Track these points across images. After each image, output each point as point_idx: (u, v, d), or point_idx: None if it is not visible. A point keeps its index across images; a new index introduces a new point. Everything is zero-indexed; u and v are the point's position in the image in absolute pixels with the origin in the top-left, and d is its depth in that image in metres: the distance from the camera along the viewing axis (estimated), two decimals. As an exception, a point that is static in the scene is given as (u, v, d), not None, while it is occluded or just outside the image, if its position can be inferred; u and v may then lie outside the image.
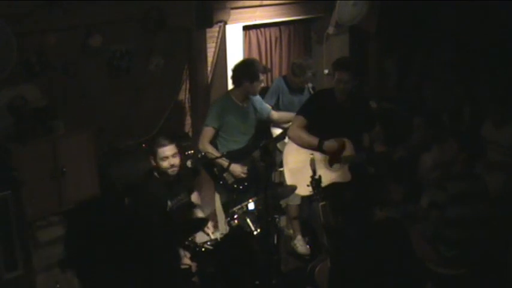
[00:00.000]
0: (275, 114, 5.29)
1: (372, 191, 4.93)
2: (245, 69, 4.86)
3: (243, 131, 5.00)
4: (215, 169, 4.94)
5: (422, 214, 3.95)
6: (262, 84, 5.10)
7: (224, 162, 4.79)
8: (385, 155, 4.87)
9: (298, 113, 4.76)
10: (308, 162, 4.10)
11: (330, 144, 4.57)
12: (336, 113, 4.63)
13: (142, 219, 2.08)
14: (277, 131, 5.43)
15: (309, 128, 4.69)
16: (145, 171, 4.46)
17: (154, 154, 4.32)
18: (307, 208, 4.99)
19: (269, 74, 6.03)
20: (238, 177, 4.82)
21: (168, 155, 4.30)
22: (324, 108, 4.66)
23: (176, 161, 4.34)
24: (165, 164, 4.30)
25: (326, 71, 5.92)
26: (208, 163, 4.88)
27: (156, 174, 4.39)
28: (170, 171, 4.33)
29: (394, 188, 5.41)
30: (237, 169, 4.82)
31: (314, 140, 4.60)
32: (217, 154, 4.79)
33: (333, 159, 4.66)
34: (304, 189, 4.19)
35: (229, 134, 4.94)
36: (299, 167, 4.56)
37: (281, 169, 4.75)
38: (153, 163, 4.35)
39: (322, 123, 4.63)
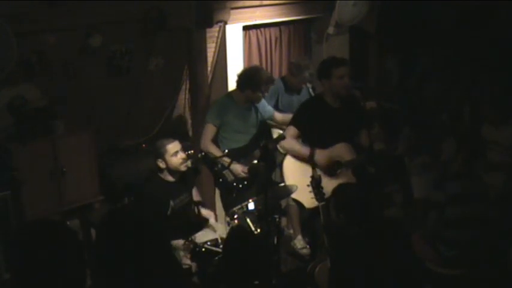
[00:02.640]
0: (278, 116, 5.29)
1: (372, 191, 4.93)
2: (248, 78, 4.89)
3: (243, 131, 5.01)
4: (216, 168, 4.95)
5: (421, 215, 3.96)
6: (265, 94, 5.11)
7: (226, 160, 4.81)
8: (384, 152, 4.87)
9: (290, 123, 4.75)
10: (309, 175, 4.05)
11: (321, 157, 4.52)
12: (331, 117, 4.62)
13: (143, 219, 2.08)
14: (278, 132, 5.43)
15: (306, 137, 4.69)
16: (148, 173, 4.45)
17: (163, 154, 4.32)
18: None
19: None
20: (238, 176, 4.85)
21: (178, 150, 4.34)
22: (317, 115, 4.65)
23: (185, 155, 4.38)
24: (176, 159, 4.32)
25: None
26: (210, 161, 4.90)
27: (161, 175, 4.39)
28: (182, 166, 4.35)
29: (394, 188, 5.42)
30: (238, 169, 4.84)
31: (305, 151, 4.56)
32: (218, 153, 4.81)
33: (335, 166, 4.65)
34: (309, 202, 4.19)
35: (230, 133, 4.95)
36: (300, 180, 4.50)
37: (282, 184, 4.74)
38: (162, 165, 4.35)
39: (318, 130, 4.63)
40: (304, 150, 4.59)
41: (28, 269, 1.91)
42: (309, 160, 4.50)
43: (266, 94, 5.11)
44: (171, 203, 4.32)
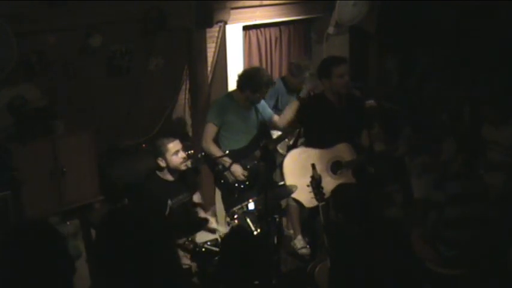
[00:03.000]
0: (277, 120, 5.27)
1: (372, 191, 4.93)
2: (248, 79, 4.87)
3: (244, 130, 5.00)
4: (217, 168, 4.94)
5: (421, 215, 3.95)
6: (264, 97, 5.11)
7: (227, 160, 4.81)
8: (385, 153, 4.87)
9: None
10: (308, 175, 4.05)
11: (305, 93, 4.79)
12: (331, 115, 4.62)
13: (142, 218, 2.10)
14: (277, 133, 5.42)
15: (306, 135, 4.70)
16: (147, 172, 4.46)
17: (164, 153, 4.33)
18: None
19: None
20: (238, 178, 4.84)
21: (179, 149, 4.35)
22: (317, 113, 4.65)
23: (185, 155, 4.39)
24: (177, 158, 4.34)
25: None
26: (211, 161, 4.90)
27: (160, 174, 4.40)
28: (183, 166, 4.36)
29: (394, 188, 5.42)
30: (238, 170, 4.83)
31: (294, 105, 4.80)
32: (219, 153, 4.81)
33: (335, 166, 4.64)
34: (309, 201, 4.18)
35: (230, 133, 4.95)
36: (300, 180, 4.49)
37: (281, 183, 4.74)
38: (162, 164, 4.36)
39: (318, 128, 4.62)
40: (293, 106, 4.83)
41: (14, 270, 1.93)
42: (300, 103, 4.77)
43: (266, 97, 5.11)
44: (169, 202, 4.32)
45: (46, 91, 4.39)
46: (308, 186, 3.95)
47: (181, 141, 4.52)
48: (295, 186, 4.35)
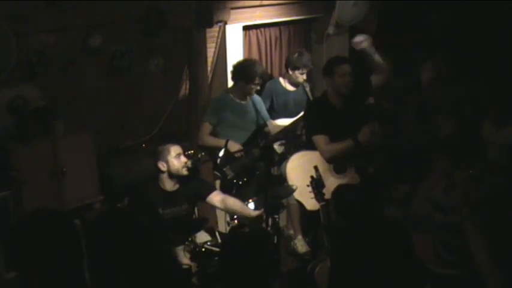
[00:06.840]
0: (270, 125, 5.27)
1: (373, 190, 4.92)
2: (242, 70, 4.94)
3: (241, 127, 5.04)
4: (217, 164, 4.94)
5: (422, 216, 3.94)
6: (258, 88, 5.12)
7: (222, 143, 4.87)
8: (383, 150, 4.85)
9: (316, 133, 4.62)
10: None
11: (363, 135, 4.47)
12: (335, 117, 4.62)
13: (141, 219, 2.10)
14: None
15: (309, 137, 4.68)
16: (148, 174, 4.45)
17: (166, 155, 4.32)
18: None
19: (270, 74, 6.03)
20: (236, 154, 4.84)
21: (181, 152, 4.35)
22: (323, 115, 4.65)
23: (186, 160, 4.38)
24: (179, 162, 4.33)
25: None
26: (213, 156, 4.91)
27: (159, 183, 4.37)
28: (184, 170, 4.34)
29: (396, 187, 5.40)
30: (234, 146, 4.86)
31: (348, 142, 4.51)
32: (217, 142, 4.86)
33: (338, 167, 4.63)
34: (311, 204, 4.18)
35: (227, 130, 5.00)
36: (304, 183, 4.47)
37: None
38: (163, 167, 4.33)
39: (321, 131, 4.62)
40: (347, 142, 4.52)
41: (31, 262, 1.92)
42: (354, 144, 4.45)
43: (258, 88, 5.10)
44: (160, 211, 4.26)
45: (46, 91, 4.39)
46: (308, 186, 3.95)
47: (181, 142, 4.53)
48: (295, 186, 4.36)
